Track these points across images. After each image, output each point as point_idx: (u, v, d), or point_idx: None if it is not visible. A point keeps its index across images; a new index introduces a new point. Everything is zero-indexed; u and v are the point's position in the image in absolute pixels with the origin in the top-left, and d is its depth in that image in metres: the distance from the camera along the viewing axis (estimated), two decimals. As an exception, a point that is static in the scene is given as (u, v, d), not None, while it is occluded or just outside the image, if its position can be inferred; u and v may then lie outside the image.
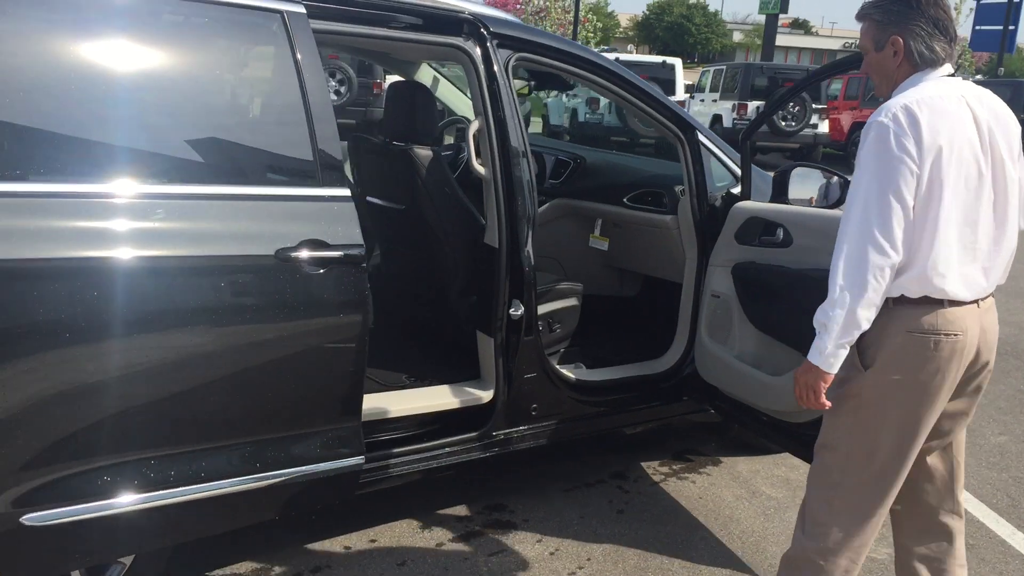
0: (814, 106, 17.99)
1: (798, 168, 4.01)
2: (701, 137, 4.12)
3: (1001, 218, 2.52)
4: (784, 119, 17.87)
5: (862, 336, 2.47)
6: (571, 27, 26.65)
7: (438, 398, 3.59)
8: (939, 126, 2.39)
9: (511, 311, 3.53)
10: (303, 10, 2.85)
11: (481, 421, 3.62)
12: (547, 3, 30.02)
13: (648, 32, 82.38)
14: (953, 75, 2.54)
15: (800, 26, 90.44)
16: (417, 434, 3.50)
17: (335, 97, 16.14)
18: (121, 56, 2.56)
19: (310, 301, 2.74)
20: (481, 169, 3.55)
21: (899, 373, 2.49)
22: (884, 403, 2.53)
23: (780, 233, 3.74)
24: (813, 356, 2.51)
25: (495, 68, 3.49)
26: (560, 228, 4.69)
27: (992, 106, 2.52)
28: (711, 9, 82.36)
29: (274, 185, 2.77)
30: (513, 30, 3.64)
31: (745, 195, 4.02)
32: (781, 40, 57.34)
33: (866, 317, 2.43)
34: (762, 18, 34.35)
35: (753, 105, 17.93)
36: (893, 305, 2.47)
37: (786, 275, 3.59)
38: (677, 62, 19.24)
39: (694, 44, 76.97)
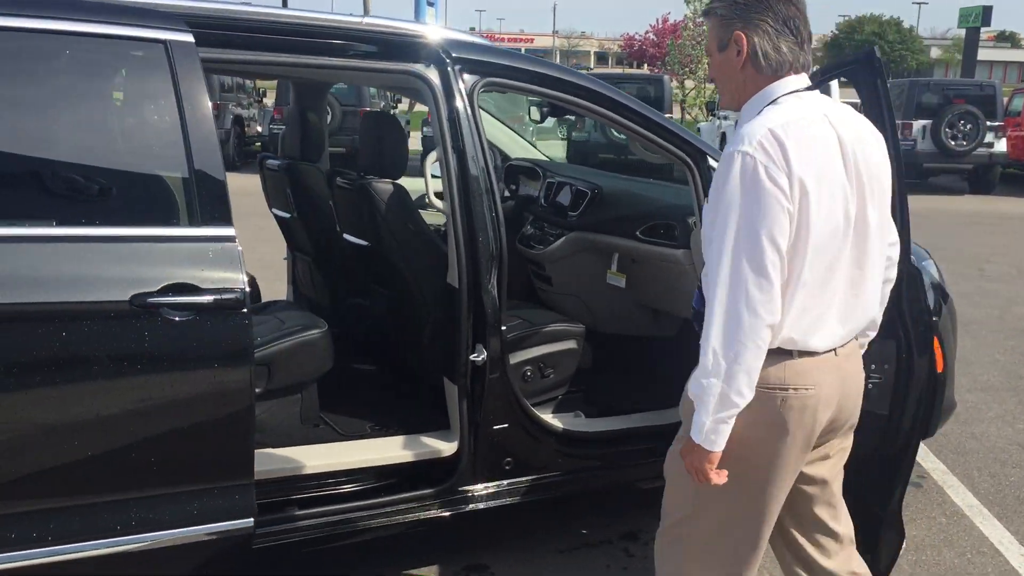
0: (988, 123, 16.57)
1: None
2: (713, 163, 3.71)
3: (861, 259, 2.17)
4: (954, 138, 16.55)
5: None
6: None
7: (394, 449, 3.34)
8: (807, 157, 2.04)
9: (473, 356, 3.24)
10: (190, 39, 2.70)
11: (444, 475, 3.34)
12: (704, 27, 29.14)
13: (837, 51, 79.49)
14: (810, 87, 2.19)
15: (1007, 39, 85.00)
16: (366, 489, 3.26)
17: None
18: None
19: (175, 350, 2.56)
20: (439, 203, 3.30)
21: (744, 431, 2.11)
22: (729, 466, 2.14)
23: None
24: (693, 432, 2.11)
25: (455, 94, 3.25)
26: (580, 264, 4.35)
27: (858, 128, 2.21)
28: (906, 25, 78.70)
29: (138, 225, 2.61)
30: (480, 54, 3.38)
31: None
32: (984, 54, 53.90)
33: (748, 385, 2.03)
34: (963, 32, 32.34)
35: (918, 124, 16.70)
36: None
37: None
38: (832, 82, 18.17)
39: (887, 62, 73.70)
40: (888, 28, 76.58)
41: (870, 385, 2.86)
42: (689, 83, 30.38)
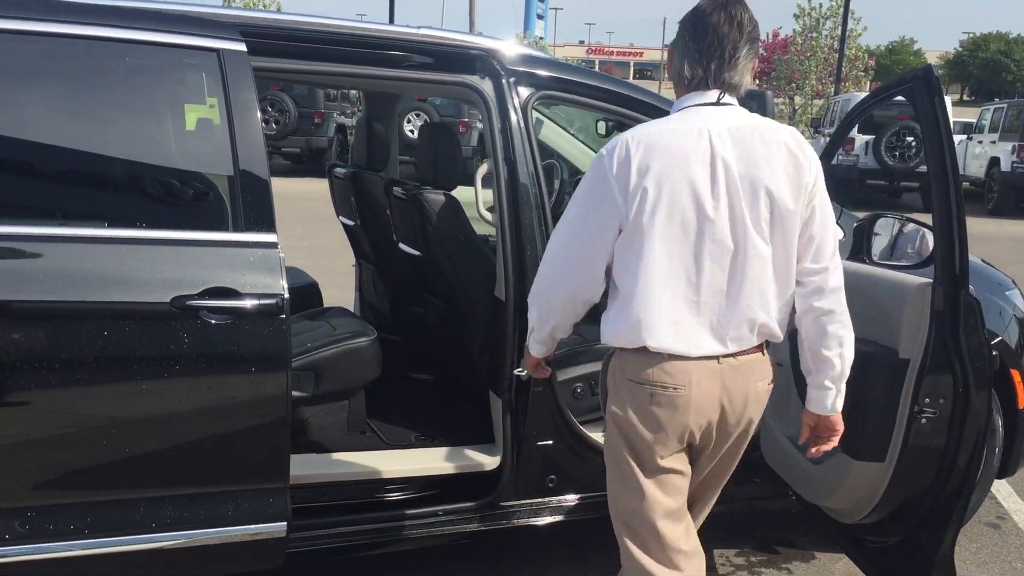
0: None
1: (883, 219, 3.42)
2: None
3: (737, 272, 2.23)
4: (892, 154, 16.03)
5: (604, 367, 2.45)
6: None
7: (437, 460, 3.33)
8: (651, 164, 2.18)
9: (517, 370, 3.21)
10: (242, 48, 2.75)
11: (487, 490, 3.32)
12: (813, 42, 28.63)
13: (960, 70, 76.98)
14: (720, 102, 2.26)
15: None
16: (407, 499, 3.26)
17: (267, 127, 16.66)
18: (17, 91, 2.57)
19: (214, 353, 2.60)
20: (488, 215, 3.28)
21: (624, 413, 2.36)
22: (614, 437, 2.43)
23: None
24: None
25: (508, 107, 3.23)
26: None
27: (750, 145, 2.21)
28: (1035, 43, 75.59)
29: (183, 229, 2.66)
30: (536, 66, 3.36)
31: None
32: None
33: (539, 325, 2.50)
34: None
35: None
36: (619, 352, 2.34)
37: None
38: (946, 100, 17.53)
39: (1013, 82, 70.92)
40: (1016, 46, 73.70)
41: (922, 420, 2.74)
42: (799, 99, 29.81)
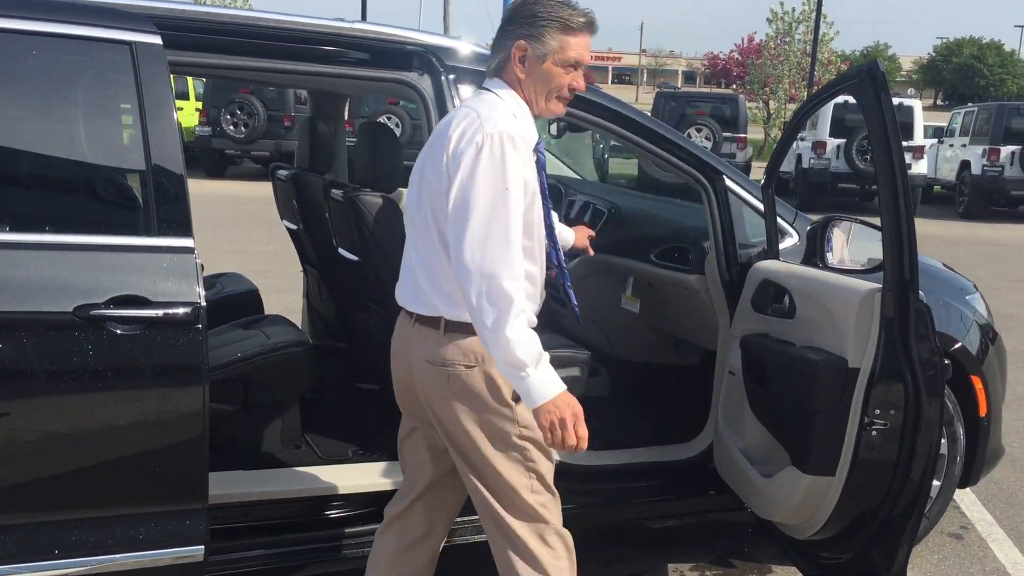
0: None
1: (838, 222, 3.30)
2: (731, 183, 3.48)
3: (410, 241, 2.50)
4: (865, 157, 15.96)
5: None
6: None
7: (371, 476, 3.18)
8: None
9: None
10: (157, 40, 2.59)
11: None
12: (786, 46, 28.62)
13: (934, 75, 77.47)
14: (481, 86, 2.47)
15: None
16: (340, 517, 3.10)
17: (235, 130, 16.97)
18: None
19: (121, 366, 2.44)
20: None
21: None
22: None
23: (787, 300, 3.06)
24: None
25: (448, 106, 3.09)
26: (595, 287, 4.15)
27: (438, 129, 2.42)
28: (1007, 48, 76.21)
29: (87, 233, 2.50)
30: (478, 63, 3.22)
31: (772, 253, 3.34)
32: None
33: None
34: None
35: (1007, 150, 15.99)
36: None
37: (778, 354, 2.91)
38: (915, 104, 17.56)
39: (986, 86, 71.45)
40: (988, 51, 74.28)
41: (873, 432, 2.61)
42: (773, 103, 29.84)
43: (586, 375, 3.67)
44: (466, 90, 3.15)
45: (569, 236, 3.12)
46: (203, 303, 2.53)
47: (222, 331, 3.44)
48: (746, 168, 18.05)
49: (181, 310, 2.49)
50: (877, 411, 2.59)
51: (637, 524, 3.84)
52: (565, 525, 3.20)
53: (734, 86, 42.79)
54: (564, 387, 2.26)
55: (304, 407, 3.38)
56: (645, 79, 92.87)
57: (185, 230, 2.56)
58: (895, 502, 2.70)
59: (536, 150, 2.41)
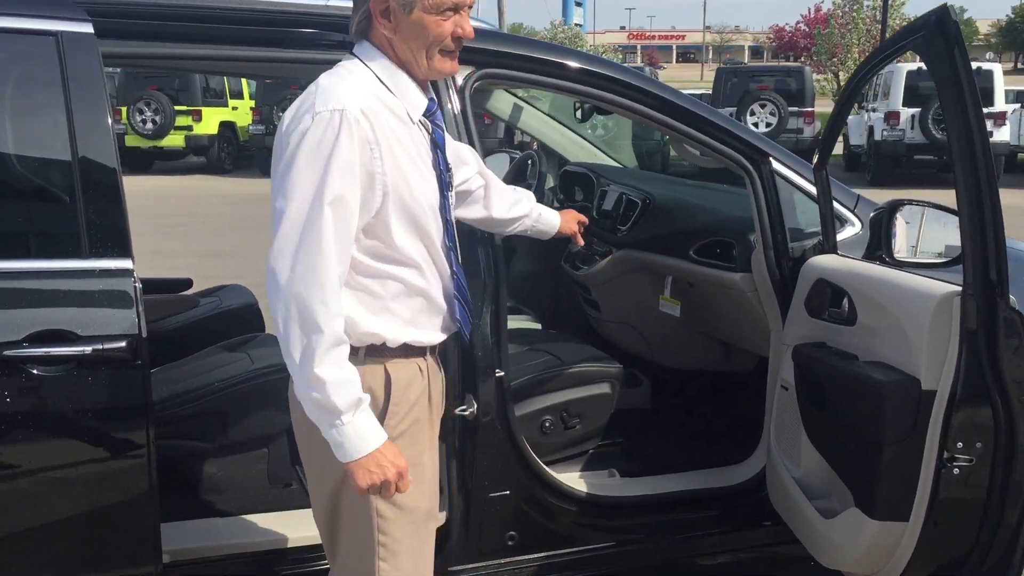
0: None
1: (906, 206, 2.79)
2: (779, 166, 2.98)
3: None
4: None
5: None
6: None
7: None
8: None
9: (458, 410, 2.65)
10: (88, 29, 2.21)
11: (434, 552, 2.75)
12: (854, 14, 27.39)
13: (1013, 37, 74.44)
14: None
15: None
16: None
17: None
18: None
19: (44, 413, 2.09)
20: None
21: None
22: None
23: (845, 304, 2.57)
24: None
25: (442, 89, 2.67)
26: (630, 287, 3.67)
27: None
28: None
29: (3, 257, 2.14)
30: (476, 39, 2.77)
31: (829, 245, 2.84)
32: None
33: None
34: None
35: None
36: None
37: (835, 370, 2.42)
38: (995, 67, 16.54)
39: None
40: (1073, 10, 71.13)
41: (955, 470, 2.11)
42: (843, 74, 28.72)
43: (617, 391, 3.21)
44: (464, 71, 2.72)
45: (551, 220, 2.63)
46: (143, 334, 2.16)
47: (205, 355, 3.08)
48: (814, 143, 17.25)
49: (114, 344, 2.13)
50: (959, 444, 2.09)
51: (684, 562, 3.38)
52: (592, 568, 2.75)
53: (801, 58, 41.56)
54: (385, 437, 1.86)
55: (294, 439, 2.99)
56: (710, 56, 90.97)
57: (121, 249, 2.20)
58: (987, 551, 2.20)
59: (433, 123, 2.00)
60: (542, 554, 2.85)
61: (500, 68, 2.80)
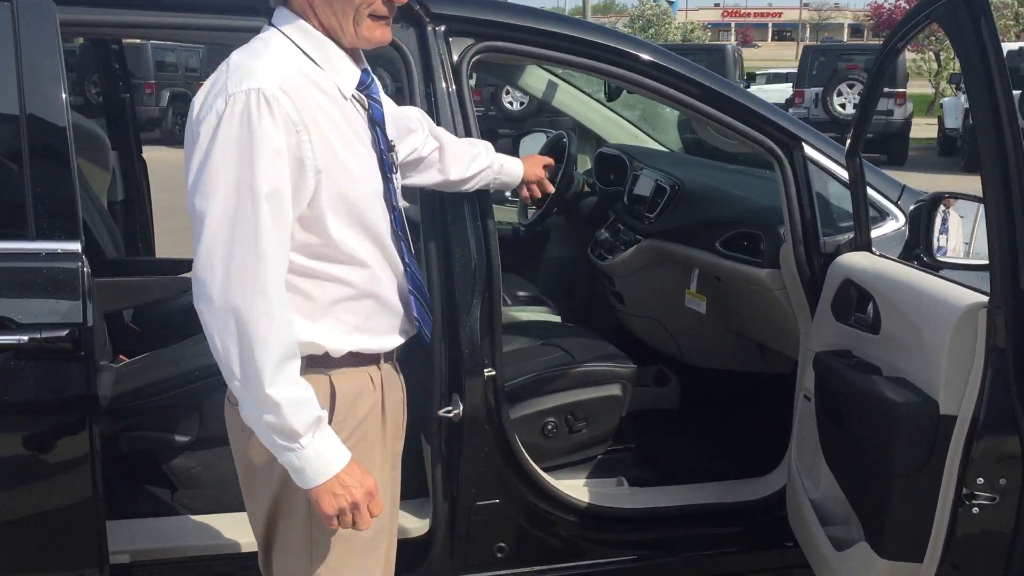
0: None
1: (953, 200, 2.49)
2: (813, 152, 2.70)
3: None
4: None
5: None
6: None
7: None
8: None
9: (442, 411, 2.45)
10: None
11: (415, 561, 2.58)
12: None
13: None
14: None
15: None
16: None
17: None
18: None
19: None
20: (404, 203, 2.51)
21: None
22: None
23: (870, 309, 2.29)
24: None
25: (436, 64, 2.46)
26: (655, 280, 3.42)
27: None
28: None
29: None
30: (475, 9, 2.56)
31: (862, 241, 2.55)
32: None
33: None
34: None
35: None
36: None
37: (851, 384, 2.15)
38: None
39: None
40: None
41: (974, 508, 1.84)
42: (944, 54, 27.50)
43: (629, 394, 2.97)
44: (458, 44, 2.51)
45: (514, 170, 2.41)
46: (90, 322, 2.02)
47: (190, 343, 2.94)
48: (905, 126, 16.49)
49: (55, 334, 1.99)
50: (980, 479, 1.81)
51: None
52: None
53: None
54: (349, 456, 1.65)
55: None
56: (807, 35, 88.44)
57: (69, 232, 2.06)
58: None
59: (369, 97, 1.77)
60: (534, 568, 2.66)
61: (501, 41, 2.58)
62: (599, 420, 2.93)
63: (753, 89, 23.73)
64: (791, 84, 19.82)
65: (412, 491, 2.67)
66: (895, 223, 2.72)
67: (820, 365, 2.37)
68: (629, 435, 3.09)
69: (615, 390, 2.94)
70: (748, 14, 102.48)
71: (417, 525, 2.57)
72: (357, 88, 1.76)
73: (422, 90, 2.46)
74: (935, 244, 2.45)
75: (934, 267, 2.36)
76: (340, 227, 1.71)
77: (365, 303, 1.79)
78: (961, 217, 2.64)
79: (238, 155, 1.57)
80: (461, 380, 2.46)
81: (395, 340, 1.89)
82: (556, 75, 4.07)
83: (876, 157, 15.66)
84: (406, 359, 2.03)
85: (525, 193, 2.53)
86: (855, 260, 2.46)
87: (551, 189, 2.51)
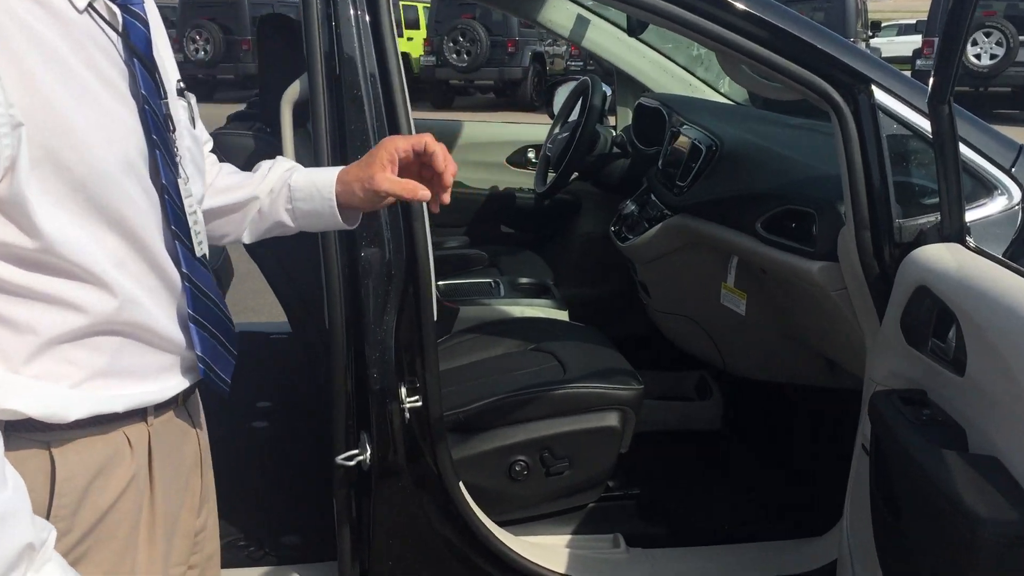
0: None
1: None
2: (887, 98, 1.88)
3: None
4: None
5: None
6: None
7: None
8: None
9: (341, 457, 1.79)
10: None
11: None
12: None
13: None
14: None
15: None
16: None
17: (458, 58, 14.89)
18: None
19: None
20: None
21: None
22: None
23: (952, 336, 1.49)
24: None
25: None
26: (683, 268, 2.64)
27: None
28: None
29: None
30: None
31: (952, 227, 1.73)
32: None
33: None
34: None
35: None
36: None
37: (915, 463, 1.37)
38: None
39: None
40: None
41: None
42: None
43: (631, 424, 2.22)
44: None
45: (321, 191, 1.42)
46: None
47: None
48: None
49: None
50: None
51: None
52: None
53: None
54: None
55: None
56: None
57: None
58: None
59: (126, 9, 1.13)
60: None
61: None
62: (587, 459, 2.19)
63: (881, 42, 22.04)
64: (920, 35, 18.23)
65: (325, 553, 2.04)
66: (1005, 200, 1.89)
67: (876, 414, 1.58)
68: (631, 476, 2.36)
69: (610, 419, 2.19)
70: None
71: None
72: None
73: (321, 12, 1.77)
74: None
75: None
76: (60, 217, 1.03)
77: (109, 340, 1.12)
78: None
79: None
80: (370, 412, 1.79)
81: (172, 383, 1.23)
82: (586, 8, 3.30)
83: (1010, 113, 14.19)
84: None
85: (382, 186, 1.39)
86: (935, 257, 1.65)
87: (441, 167, 1.36)
